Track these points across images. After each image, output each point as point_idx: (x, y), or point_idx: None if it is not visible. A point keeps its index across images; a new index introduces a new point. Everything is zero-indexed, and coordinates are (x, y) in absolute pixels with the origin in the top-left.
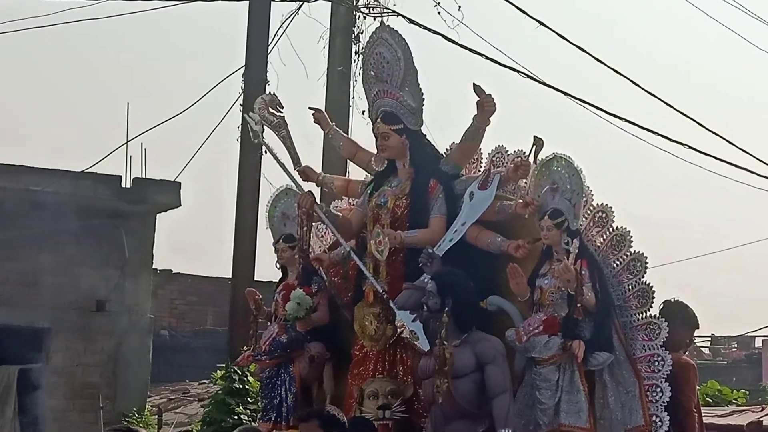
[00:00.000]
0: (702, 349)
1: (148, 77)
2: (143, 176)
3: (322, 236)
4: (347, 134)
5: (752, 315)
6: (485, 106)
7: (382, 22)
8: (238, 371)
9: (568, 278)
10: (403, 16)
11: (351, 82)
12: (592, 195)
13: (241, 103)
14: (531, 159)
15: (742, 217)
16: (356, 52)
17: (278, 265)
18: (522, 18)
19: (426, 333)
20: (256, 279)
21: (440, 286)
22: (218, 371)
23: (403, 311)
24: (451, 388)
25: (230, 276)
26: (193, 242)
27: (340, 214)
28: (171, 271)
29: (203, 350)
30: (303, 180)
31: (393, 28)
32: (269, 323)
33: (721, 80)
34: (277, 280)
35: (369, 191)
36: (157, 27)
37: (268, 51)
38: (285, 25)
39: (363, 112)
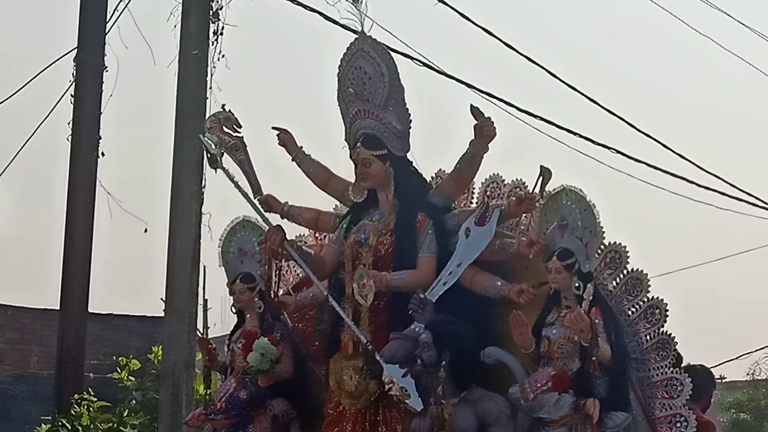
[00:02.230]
0: None
1: None
2: None
3: (284, 275)
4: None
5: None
6: (484, 130)
7: (362, 32)
8: (67, 425)
9: (581, 328)
10: None
11: (208, 69)
12: (604, 233)
13: (72, 93)
14: (537, 192)
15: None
16: (215, 33)
17: (233, 309)
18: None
19: (418, 390)
20: (90, 311)
21: (437, 337)
22: (43, 425)
23: (392, 365)
24: None
25: (58, 307)
26: (13, 265)
27: (312, 252)
28: None
29: (25, 398)
30: (265, 210)
31: (375, 40)
32: (220, 376)
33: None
34: (232, 327)
35: (345, 225)
36: None
37: (106, 30)
38: None
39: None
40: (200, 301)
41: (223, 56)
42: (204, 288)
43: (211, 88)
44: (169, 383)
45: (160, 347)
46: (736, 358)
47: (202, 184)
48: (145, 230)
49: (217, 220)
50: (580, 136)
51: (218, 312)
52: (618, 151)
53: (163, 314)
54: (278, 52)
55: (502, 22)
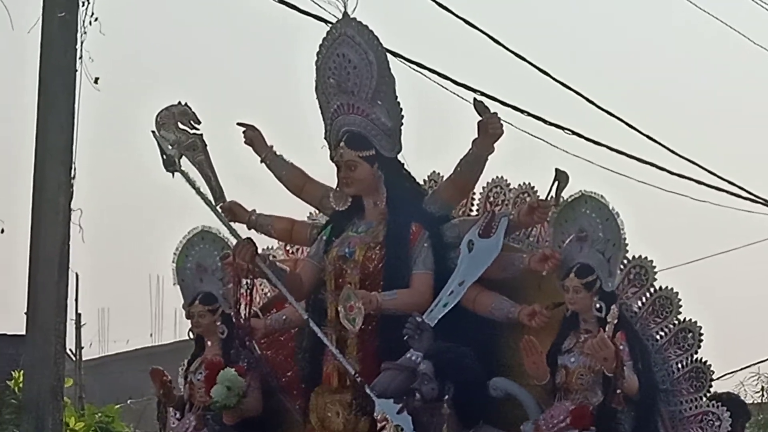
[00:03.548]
0: None
1: None
2: None
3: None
4: (75, 113)
5: None
6: (489, 128)
7: (345, 14)
8: None
9: (605, 356)
10: None
11: (78, 35)
12: (627, 246)
13: None
14: (551, 198)
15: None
16: None
17: (192, 335)
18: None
19: (416, 428)
20: None
21: (438, 367)
22: None
23: (385, 400)
24: None
25: None
26: None
27: (287, 269)
28: None
29: None
30: (229, 219)
31: (361, 23)
32: (174, 413)
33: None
34: (190, 356)
35: (326, 238)
36: None
37: None
38: None
39: (97, 80)
40: (72, 315)
41: (96, 19)
42: (76, 300)
43: (81, 57)
44: (32, 415)
45: (21, 372)
46: (719, 378)
47: (72, 175)
48: (2, 230)
49: (89, 217)
50: (529, 114)
51: (94, 328)
52: (574, 132)
53: (25, 332)
54: (167, 13)
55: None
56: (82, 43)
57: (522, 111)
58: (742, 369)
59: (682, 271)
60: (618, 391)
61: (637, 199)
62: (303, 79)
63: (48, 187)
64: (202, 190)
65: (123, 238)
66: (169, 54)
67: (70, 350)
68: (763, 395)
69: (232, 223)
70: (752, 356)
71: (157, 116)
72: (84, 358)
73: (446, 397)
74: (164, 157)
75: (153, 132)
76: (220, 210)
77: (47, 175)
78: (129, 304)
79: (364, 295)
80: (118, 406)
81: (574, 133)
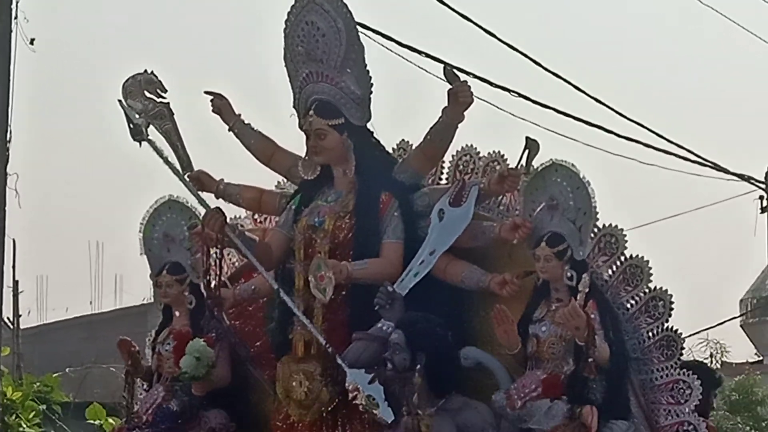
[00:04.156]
0: None
1: None
2: None
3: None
4: (11, 77)
5: None
6: (459, 96)
7: None
8: None
9: (576, 324)
10: None
11: None
12: (598, 215)
13: None
14: (522, 167)
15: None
16: None
17: (160, 306)
18: None
19: (388, 398)
20: None
21: (409, 337)
22: None
23: (356, 370)
24: None
25: None
26: None
27: (257, 238)
28: None
29: None
30: (197, 189)
31: None
32: (142, 384)
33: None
34: (158, 326)
35: (295, 207)
36: None
37: None
38: None
39: (32, 41)
40: (9, 283)
41: None
42: (14, 267)
43: (16, 18)
44: None
45: None
46: None
47: (7, 138)
48: None
49: (27, 181)
50: (475, 76)
51: (32, 296)
52: (520, 95)
53: None
54: None
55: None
56: (17, 2)
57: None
58: (690, 335)
59: (632, 235)
60: (590, 359)
61: (587, 162)
62: (271, 47)
63: None
64: (169, 159)
65: (62, 203)
66: (124, 18)
67: (8, 318)
68: (712, 362)
69: (200, 193)
70: (700, 323)
71: (123, 84)
72: (22, 327)
73: (418, 366)
74: (131, 126)
75: (119, 101)
76: (187, 179)
77: None
78: (68, 271)
79: (334, 264)
80: (56, 374)
81: (520, 95)
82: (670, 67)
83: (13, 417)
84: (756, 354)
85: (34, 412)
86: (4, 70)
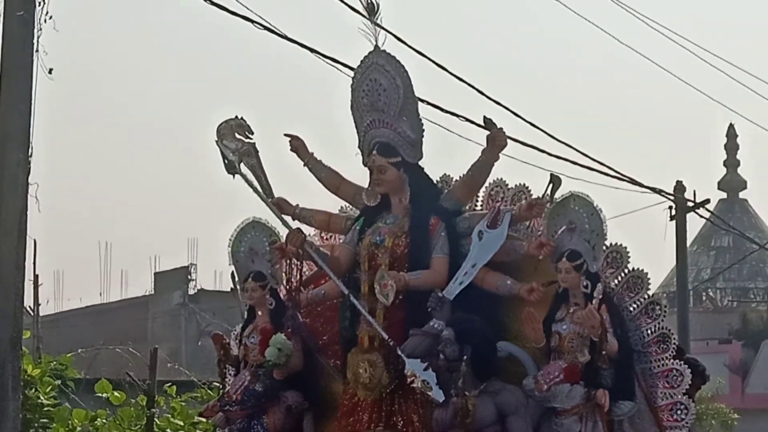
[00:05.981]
0: None
1: None
2: None
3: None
4: (32, 101)
5: None
6: (496, 140)
7: (376, 46)
8: None
9: (592, 324)
10: None
11: (35, 31)
12: (607, 235)
13: None
14: (547, 197)
15: None
16: None
17: (245, 306)
18: None
19: (438, 383)
20: None
21: (458, 333)
22: None
23: (413, 360)
24: None
25: None
26: None
27: (329, 253)
28: None
29: None
30: (277, 213)
31: (389, 54)
32: (229, 370)
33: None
34: (242, 322)
35: (359, 227)
36: None
37: None
38: None
39: (51, 71)
40: (30, 276)
41: (50, 17)
42: (34, 263)
43: (37, 51)
44: None
45: None
46: None
47: (29, 153)
48: None
49: (45, 190)
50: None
51: (51, 288)
52: (430, 104)
53: None
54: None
55: None
56: (38, 38)
57: None
58: None
59: None
60: (603, 352)
61: (522, 177)
62: (338, 101)
63: (8, 165)
64: (258, 188)
65: (75, 208)
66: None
67: (29, 307)
68: None
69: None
70: None
71: (218, 128)
72: (41, 314)
73: (465, 357)
74: (226, 162)
75: (216, 141)
76: (271, 204)
77: (8, 154)
78: (81, 267)
79: (394, 274)
80: (70, 354)
81: (453, 114)
82: (598, 96)
83: (33, 391)
84: None
85: (50, 387)
86: (28, 96)
